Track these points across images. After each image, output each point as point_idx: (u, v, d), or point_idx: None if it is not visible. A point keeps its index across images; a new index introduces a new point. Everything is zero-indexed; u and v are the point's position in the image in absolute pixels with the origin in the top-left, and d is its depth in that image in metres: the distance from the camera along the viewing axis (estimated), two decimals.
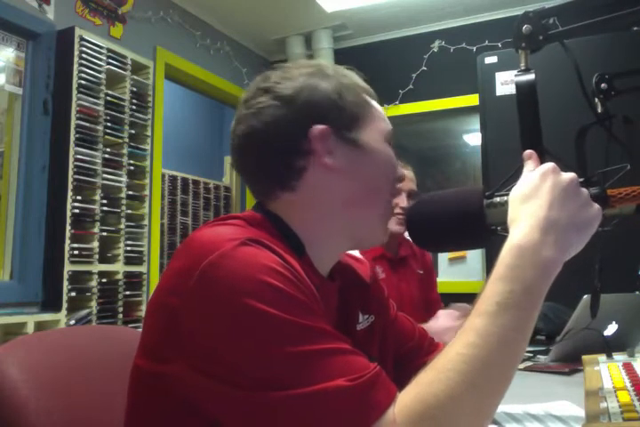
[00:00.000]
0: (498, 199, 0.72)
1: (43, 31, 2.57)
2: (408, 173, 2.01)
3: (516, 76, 0.77)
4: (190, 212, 4.44)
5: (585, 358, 1.11)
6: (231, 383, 0.53)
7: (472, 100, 3.38)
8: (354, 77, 0.78)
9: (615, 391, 0.82)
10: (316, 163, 0.71)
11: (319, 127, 0.71)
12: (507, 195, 0.70)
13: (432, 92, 3.70)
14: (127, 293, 2.72)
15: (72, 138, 2.51)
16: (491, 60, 2.62)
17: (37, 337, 0.95)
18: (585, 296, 1.30)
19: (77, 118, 2.54)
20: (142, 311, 2.77)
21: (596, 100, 0.85)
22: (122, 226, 2.72)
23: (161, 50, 3.26)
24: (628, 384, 0.86)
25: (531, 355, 1.42)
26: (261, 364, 0.53)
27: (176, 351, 0.57)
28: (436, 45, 3.74)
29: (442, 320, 1.40)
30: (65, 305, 2.42)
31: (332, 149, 0.72)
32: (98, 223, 2.60)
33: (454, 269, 3.49)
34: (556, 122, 1.27)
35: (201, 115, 5.00)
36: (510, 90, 2.49)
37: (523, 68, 0.78)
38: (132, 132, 2.82)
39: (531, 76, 0.76)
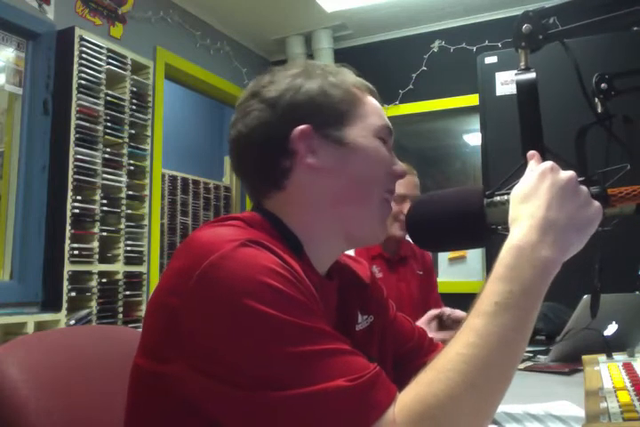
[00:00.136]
0: (498, 198, 0.72)
1: (43, 31, 2.57)
2: (413, 178, 2.01)
3: (516, 75, 0.77)
4: (190, 212, 4.44)
5: (585, 358, 1.11)
6: (231, 383, 0.53)
7: (472, 100, 3.38)
8: (344, 74, 0.78)
9: (615, 391, 0.82)
10: (301, 163, 0.72)
11: (300, 128, 0.71)
12: (507, 194, 0.70)
13: (432, 92, 3.70)
14: (127, 293, 2.72)
15: (72, 138, 2.51)
16: (491, 60, 2.62)
17: (37, 337, 0.95)
18: (585, 296, 1.30)
19: (77, 118, 2.54)
20: (142, 311, 2.77)
21: (596, 100, 0.84)
22: (122, 226, 2.72)
23: (161, 50, 3.26)
24: (628, 384, 0.86)
25: (531, 355, 1.42)
26: (261, 364, 0.53)
27: (176, 351, 0.57)
28: (435, 45, 3.74)
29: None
30: (65, 305, 2.42)
31: (316, 149, 0.72)
32: (98, 223, 2.60)
33: (454, 269, 3.49)
34: (556, 122, 1.27)
35: (201, 115, 5.00)
36: (510, 90, 2.49)
37: (523, 67, 0.78)
38: (132, 132, 2.82)
39: (531, 75, 0.76)
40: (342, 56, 3.76)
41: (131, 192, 2.80)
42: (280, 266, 0.59)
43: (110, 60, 2.72)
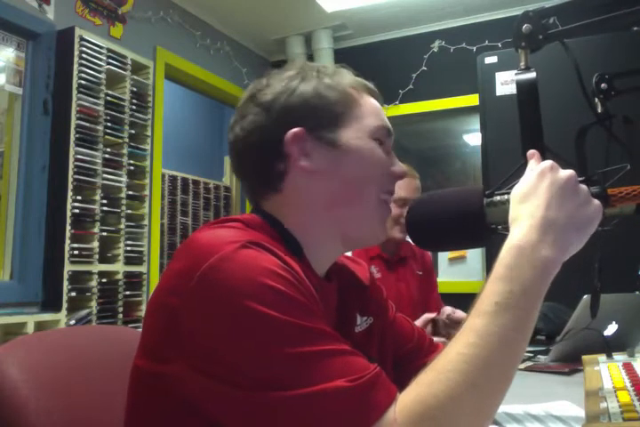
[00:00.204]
0: (498, 198, 0.72)
1: (43, 31, 2.57)
2: (414, 182, 2.01)
3: (516, 74, 0.77)
4: (190, 212, 4.44)
5: (585, 358, 1.11)
6: (231, 383, 0.53)
7: (472, 100, 3.38)
8: (341, 75, 0.77)
9: (615, 391, 0.82)
10: (294, 166, 0.72)
11: (293, 131, 0.72)
12: (507, 193, 0.70)
13: (432, 92, 3.70)
14: (127, 293, 2.73)
15: (72, 138, 2.51)
16: (491, 60, 2.62)
17: (37, 337, 0.95)
18: (585, 296, 1.30)
19: (77, 118, 2.54)
20: (142, 311, 2.77)
21: (596, 100, 0.84)
22: (122, 226, 2.72)
23: (161, 50, 3.26)
24: (628, 384, 0.86)
25: (531, 355, 1.42)
26: (261, 364, 0.53)
27: (176, 351, 0.57)
28: (435, 45, 3.74)
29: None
30: (65, 305, 2.43)
31: (309, 152, 0.72)
32: (98, 223, 2.60)
33: (454, 269, 3.49)
34: (556, 122, 1.27)
35: (201, 115, 5.00)
36: (510, 90, 2.49)
37: (523, 67, 0.78)
38: (132, 132, 2.82)
39: (532, 75, 0.76)
40: (342, 56, 3.76)
41: (131, 192, 2.80)
42: (281, 268, 0.59)
43: (110, 60, 2.72)
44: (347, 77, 0.77)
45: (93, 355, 0.89)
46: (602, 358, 1.09)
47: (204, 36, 3.62)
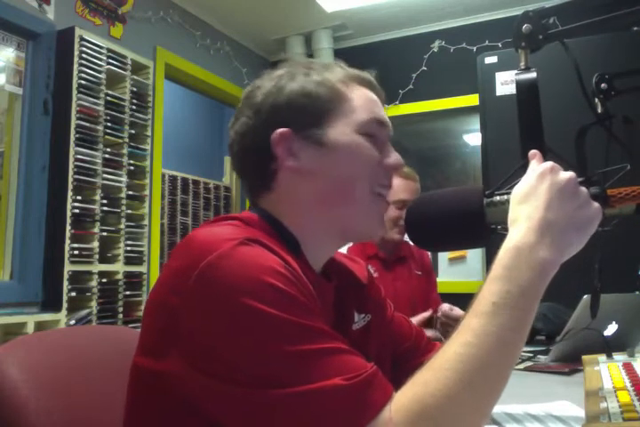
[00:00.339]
0: (498, 198, 0.72)
1: (43, 31, 2.57)
2: (414, 184, 2.01)
3: (516, 74, 0.77)
4: (190, 212, 4.44)
5: (585, 358, 1.11)
6: (230, 381, 0.53)
7: (472, 100, 3.38)
8: (331, 71, 0.76)
9: (615, 391, 0.82)
10: (283, 166, 0.73)
11: (279, 131, 0.72)
12: (507, 193, 0.70)
13: (432, 92, 3.70)
14: (127, 293, 2.73)
15: (72, 138, 2.51)
16: (491, 60, 2.62)
17: (37, 337, 0.95)
18: (585, 296, 1.30)
19: (77, 118, 2.54)
20: (142, 311, 2.77)
21: (596, 100, 0.84)
22: (122, 226, 2.72)
23: (161, 50, 3.26)
24: (628, 384, 0.86)
25: (531, 355, 1.42)
26: (260, 362, 0.53)
27: (175, 350, 0.57)
28: (435, 45, 3.74)
29: None
30: (65, 305, 2.42)
31: (296, 152, 0.72)
32: (98, 223, 2.60)
33: (454, 269, 3.49)
34: (556, 122, 1.26)
35: (201, 115, 5.00)
36: (510, 90, 2.49)
37: (523, 67, 0.78)
38: (132, 132, 2.82)
39: (532, 75, 0.76)
40: (342, 56, 3.75)
41: (131, 192, 2.80)
42: (279, 265, 0.59)
43: (110, 60, 2.72)
44: (336, 72, 0.76)
45: (93, 355, 0.89)
46: (602, 358, 1.09)
47: (204, 36, 3.62)
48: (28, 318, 2.27)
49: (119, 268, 2.70)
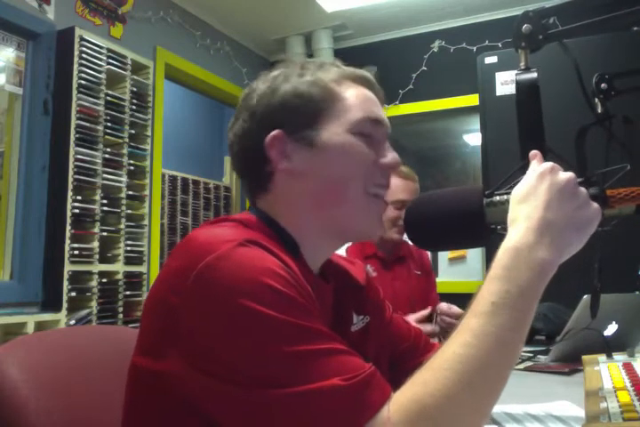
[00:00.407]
0: (498, 198, 0.72)
1: (43, 31, 2.57)
2: (413, 184, 2.01)
3: (517, 75, 0.77)
4: (190, 212, 4.44)
5: (585, 358, 1.11)
6: (229, 382, 0.54)
7: (472, 100, 3.38)
8: (325, 70, 0.75)
9: (615, 391, 0.82)
10: (277, 168, 0.73)
11: (272, 134, 0.72)
12: (507, 193, 0.70)
13: (432, 92, 3.70)
14: (127, 293, 2.73)
15: (72, 138, 2.51)
16: (491, 60, 2.62)
17: (37, 337, 0.95)
18: (585, 296, 1.30)
19: (77, 118, 2.54)
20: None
21: (596, 100, 0.84)
22: (122, 226, 2.72)
23: (161, 50, 3.26)
24: (628, 384, 0.86)
25: (531, 355, 1.42)
26: (259, 363, 0.53)
27: (174, 350, 0.57)
28: (435, 45, 3.74)
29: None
30: (65, 305, 2.43)
31: (289, 154, 0.72)
32: (98, 223, 2.60)
33: (454, 269, 3.49)
34: (556, 122, 1.26)
35: (201, 115, 5.00)
36: (510, 90, 2.49)
37: (522, 67, 0.78)
38: (132, 132, 2.82)
39: (533, 75, 0.76)
40: (342, 56, 3.69)
41: (131, 192, 2.80)
42: (278, 266, 0.59)
43: (110, 60, 2.72)
44: (330, 71, 0.75)
45: (93, 355, 0.89)
46: (602, 358, 1.09)
47: (204, 36, 3.62)
48: (28, 318, 2.27)
49: (119, 268, 2.70)
